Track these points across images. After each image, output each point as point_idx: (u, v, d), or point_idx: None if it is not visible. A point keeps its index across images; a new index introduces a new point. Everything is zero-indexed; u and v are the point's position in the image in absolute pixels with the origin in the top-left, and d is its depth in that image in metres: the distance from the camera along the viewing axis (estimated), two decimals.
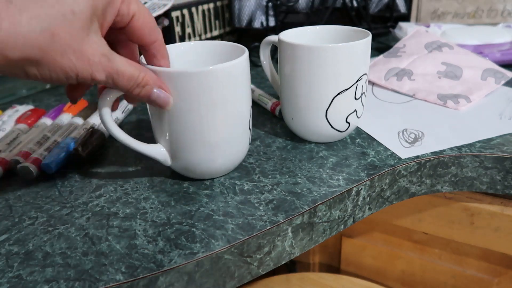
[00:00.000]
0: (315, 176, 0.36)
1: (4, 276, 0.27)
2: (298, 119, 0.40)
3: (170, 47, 0.35)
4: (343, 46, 0.36)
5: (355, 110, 0.40)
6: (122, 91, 0.29)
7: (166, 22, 0.64)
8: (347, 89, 0.38)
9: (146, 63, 0.32)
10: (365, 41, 0.37)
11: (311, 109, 0.39)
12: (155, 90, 0.29)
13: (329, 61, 0.36)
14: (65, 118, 0.47)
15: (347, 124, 0.40)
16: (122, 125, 0.49)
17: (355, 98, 0.39)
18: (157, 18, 0.64)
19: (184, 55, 0.37)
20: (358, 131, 0.44)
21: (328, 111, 0.38)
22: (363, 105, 0.41)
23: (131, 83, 0.28)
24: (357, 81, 0.38)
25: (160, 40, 0.30)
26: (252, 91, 0.53)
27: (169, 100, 0.30)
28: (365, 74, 0.39)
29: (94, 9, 0.25)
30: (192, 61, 0.37)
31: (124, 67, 0.27)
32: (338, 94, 0.38)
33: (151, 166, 0.39)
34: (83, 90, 0.32)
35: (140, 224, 0.31)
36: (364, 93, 0.40)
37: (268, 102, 0.49)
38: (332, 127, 0.39)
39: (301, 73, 0.38)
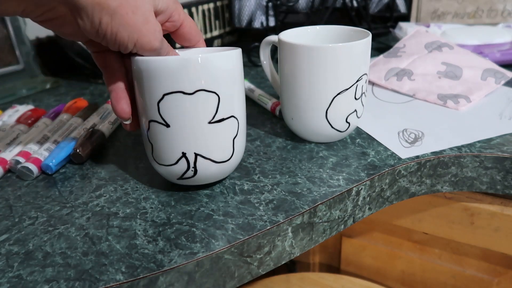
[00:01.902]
0: (315, 176, 0.36)
1: (4, 276, 0.27)
2: (298, 119, 0.40)
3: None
4: (343, 46, 0.36)
5: (355, 110, 0.40)
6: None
7: None
8: (347, 89, 0.38)
9: None
10: (365, 41, 0.37)
11: (311, 109, 0.39)
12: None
13: (329, 61, 0.36)
14: (65, 118, 0.47)
15: (347, 124, 0.40)
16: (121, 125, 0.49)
17: (355, 98, 0.39)
18: None
19: None
20: (358, 131, 0.44)
21: (328, 111, 0.38)
22: (363, 105, 0.41)
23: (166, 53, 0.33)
24: (357, 81, 0.38)
25: (202, 40, 0.37)
26: (252, 91, 0.53)
27: None
28: (365, 74, 0.39)
29: (155, 3, 0.30)
30: None
31: (165, 42, 0.32)
32: (338, 94, 0.38)
33: (151, 166, 0.39)
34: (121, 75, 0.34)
35: (140, 224, 0.31)
36: (364, 93, 0.40)
37: (268, 102, 0.49)
38: (332, 127, 0.39)
39: (301, 73, 0.38)
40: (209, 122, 0.31)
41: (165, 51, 0.32)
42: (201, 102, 0.31)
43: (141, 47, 0.30)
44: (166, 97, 0.30)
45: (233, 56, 0.32)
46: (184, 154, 0.32)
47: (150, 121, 0.32)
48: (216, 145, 0.32)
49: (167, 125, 0.31)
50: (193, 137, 0.31)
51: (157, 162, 0.33)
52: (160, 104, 0.30)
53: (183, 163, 0.32)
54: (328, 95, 0.38)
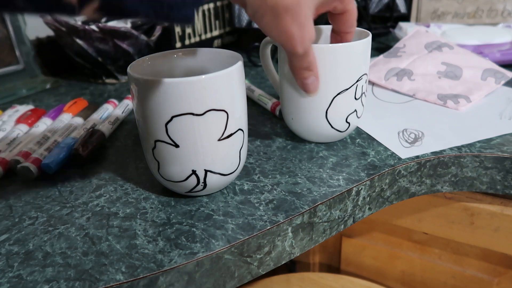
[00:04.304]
0: (315, 176, 0.36)
1: (4, 276, 0.27)
2: (298, 119, 0.40)
3: (167, 54, 0.35)
4: (343, 46, 0.36)
5: (355, 110, 0.40)
6: (291, 63, 0.35)
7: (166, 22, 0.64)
8: (347, 89, 0.38)
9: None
10: (365, 41, 0.37)
11: (311, 109, 0.39)
12: (313, 77, 0.35)
13: (329, 61, 0.36)
14: (65, 118, 0.47)
15: (347, 124, 0.40)
16: (122, 124, 0.49)
17: (355, 98, 0.39)
18: None
19: (179, 62, 0.36)
20: (358, 131, 0.44)
21: (328, 111, 0.38)
22: (363, 105, 0.41)
23: (304, 65, 0.34)
24: (357, 81, 0.38)
25: (352, 32, 0.37)
26: (252, 91, 0.53)
27: (316, 89, 0.36)
28: (365, 74, 0.39)
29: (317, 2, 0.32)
30: (189, 68, 0.36)
31: (311, 53, 0.33)
32: (338, 94, 0.38)
33: None
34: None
35: (140, 224, 0.31)
36: (364, 93, 0.40)
37: (268, 102, 0.49)
38: (332, 127, 0.39)
39: None
40: (219, 140, 0.31)
41: (309, 58, 0.33)
42: (211, 122, 0.30)
43: (285, 47, 0.32)
44: (174, 119, 0.29)
45: (237, 69, 0.31)
46: (194, 172, 0.32)
47: (157, 141, 0.31)
48: (225, 159, 0.32)
49: (176, 146, 0.30)
50: (203, 155, 0.31)
51: (165, 178, 0.33)
52: (168, 125, 0.30)
53: (192, 180, 0.32)
54: (328, 95, 0.38)
